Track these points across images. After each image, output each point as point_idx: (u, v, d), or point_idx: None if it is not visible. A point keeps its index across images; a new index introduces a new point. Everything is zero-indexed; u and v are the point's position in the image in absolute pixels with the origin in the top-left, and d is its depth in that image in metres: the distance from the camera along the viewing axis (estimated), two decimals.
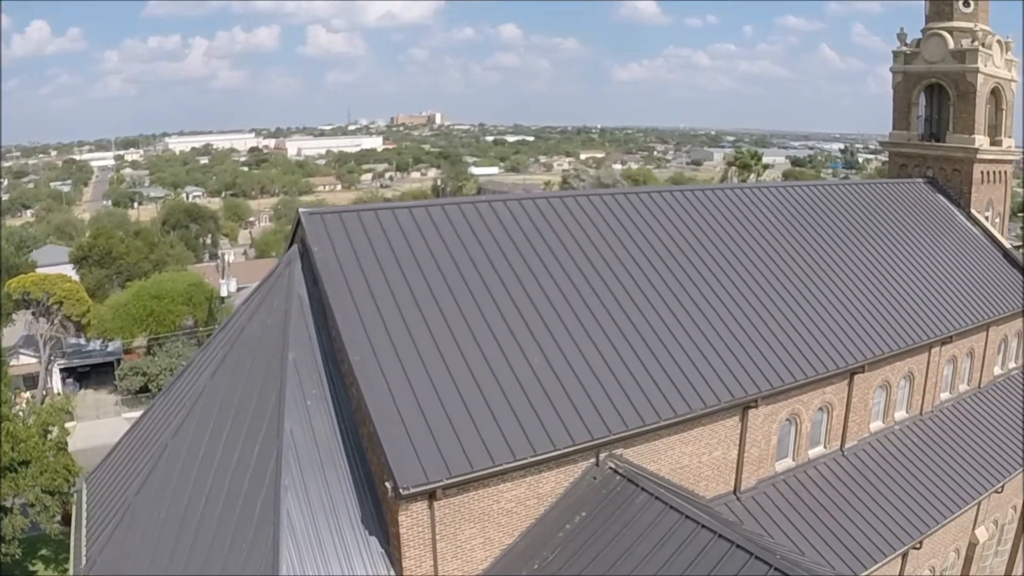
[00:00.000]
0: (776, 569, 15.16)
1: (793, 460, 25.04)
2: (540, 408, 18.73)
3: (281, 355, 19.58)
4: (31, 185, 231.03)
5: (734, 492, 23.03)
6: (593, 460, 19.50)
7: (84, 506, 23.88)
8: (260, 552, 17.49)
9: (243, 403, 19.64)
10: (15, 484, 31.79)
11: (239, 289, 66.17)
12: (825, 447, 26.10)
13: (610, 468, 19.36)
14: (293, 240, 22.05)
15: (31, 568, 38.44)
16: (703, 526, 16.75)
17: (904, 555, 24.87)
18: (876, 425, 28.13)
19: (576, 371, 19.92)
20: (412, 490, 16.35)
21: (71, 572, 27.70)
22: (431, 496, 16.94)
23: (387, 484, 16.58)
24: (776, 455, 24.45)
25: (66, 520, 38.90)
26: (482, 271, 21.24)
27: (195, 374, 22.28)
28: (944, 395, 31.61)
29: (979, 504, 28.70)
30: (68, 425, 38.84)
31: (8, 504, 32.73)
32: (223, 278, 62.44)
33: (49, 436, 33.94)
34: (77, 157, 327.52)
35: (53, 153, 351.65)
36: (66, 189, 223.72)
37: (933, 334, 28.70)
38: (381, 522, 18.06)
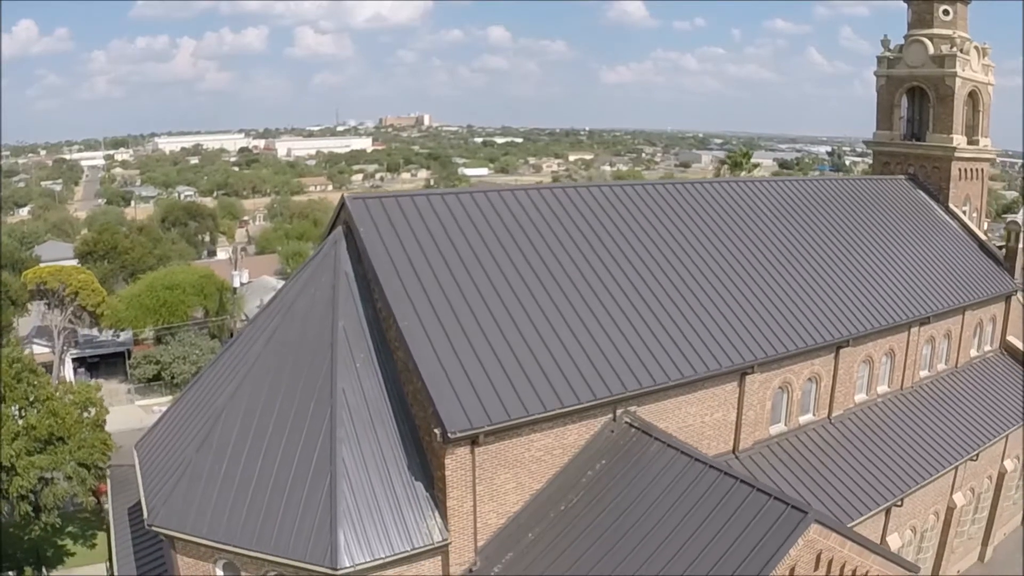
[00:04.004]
0: (776, 499, 17.64)
1: (785, 425, 27.65)
2: (565, 368, 21.29)
3: (332, 323, 21.85)
4: (22, 184, 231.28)
5: (733, 451, 25.58)
6: (611, 415, 22.08)
7: (138, 469, 25.75)
8: (318, 497, 19.74)
9: (297, 367, 21.85)
10: (54, 457, 33.62)
11: (249, 281, 68.39)
12: (814, 415, 28.71)
13: (626, 423, 21.87)
14: (335, 223, 24.34)
15: (60, 543, 40.21)
16: (710, 466, 19.27)
17: (887, 512, 27.45)
18: (860, 397, 30.77)
19: (595, 337, 22.48)
20: (458, 434, 18.73)
21: (112, 537, 29.85)
22: (473, 442, 19.36)
23: (436, 431, 18.94)
24: (770, 420, 27.07)
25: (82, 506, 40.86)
26: (509, 250, 23.70)
27: (245, 345, 24.47)
28: (923, 372, 34.27)
29: (956, 470, 31.29)
30: None
31: (48, 476, 34.57)
32: (235, 269, 64.52)
33: (86, 414, 35.75)
34: (67, 157, 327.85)
35: (42, 153, 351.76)
36: (57, 188, 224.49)
37: (911, 315, 31.34)
38: (426, 469, 20.38)
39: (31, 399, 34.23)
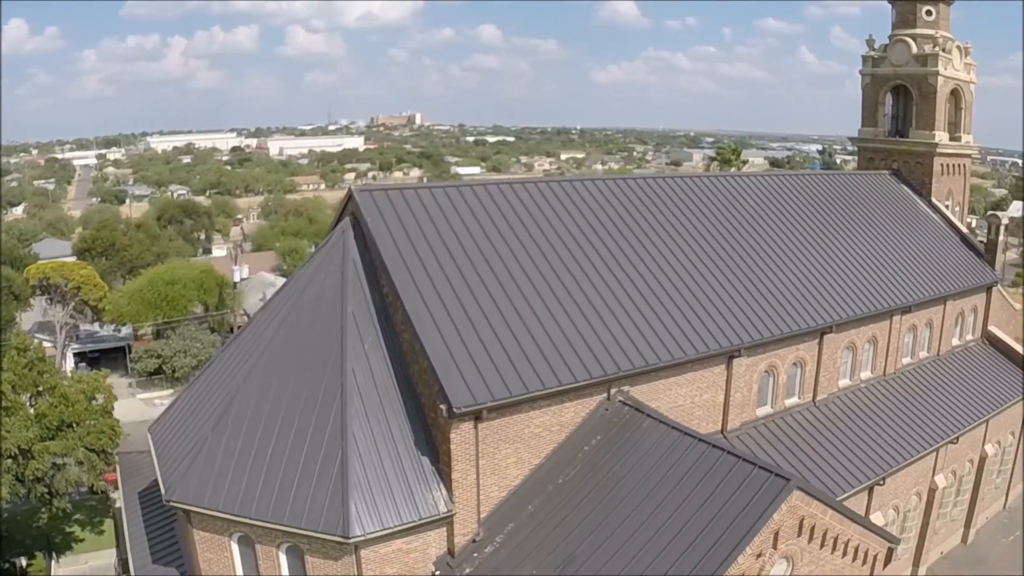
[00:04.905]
0: (760, 468, 18.88)
1: (772, 407, 28.97)
2: (562, 349, 22.55)
3: (341, 308, 23.02)
4: (14, 183, 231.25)
5: (721, 431, 26.85)
6: (605, 395, 23.36)
7: (153, 450, 26.76)
8: (331, 471, 20.88)
9: (308, 350, 22.96)
10: (65, 443, 34.61)
11: (247, 277, 69.41)
12: (799, 398, 30.04)
13: (620, 401, 23.16)
14: (342, 214, 25.52)
15: (68, 530, 41.24)
16: (699, 439, 20.52)
17: (870, 491, 28.67)
18: (844, 382, 32.07)
19: (590, 321, 23.75)
20: (463, 410, 19.95)
21: (124, 519, 30.81)
22: (477, 418, 20.57)
23: (441, 406, 20.14)
24: (757, 402, 28.35)
25: (95, 490, 41.87)
26: (508, 240, 24.93)
27: (258, 330, 25.61)
28: (906, 360, 35.55)
29: (937, 452, 32.50)
30: None
31: (59, 463, 35.58)
32: (236, 265, 65.62)
33: (94, 401, 36.75)
34: (59, 156, 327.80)
35: (34, 152, 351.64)
36: (50, 187, 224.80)
37: (893, 303, 32.65)
38: (431, 445, 21.56)
39: (40, 388, 35.27)
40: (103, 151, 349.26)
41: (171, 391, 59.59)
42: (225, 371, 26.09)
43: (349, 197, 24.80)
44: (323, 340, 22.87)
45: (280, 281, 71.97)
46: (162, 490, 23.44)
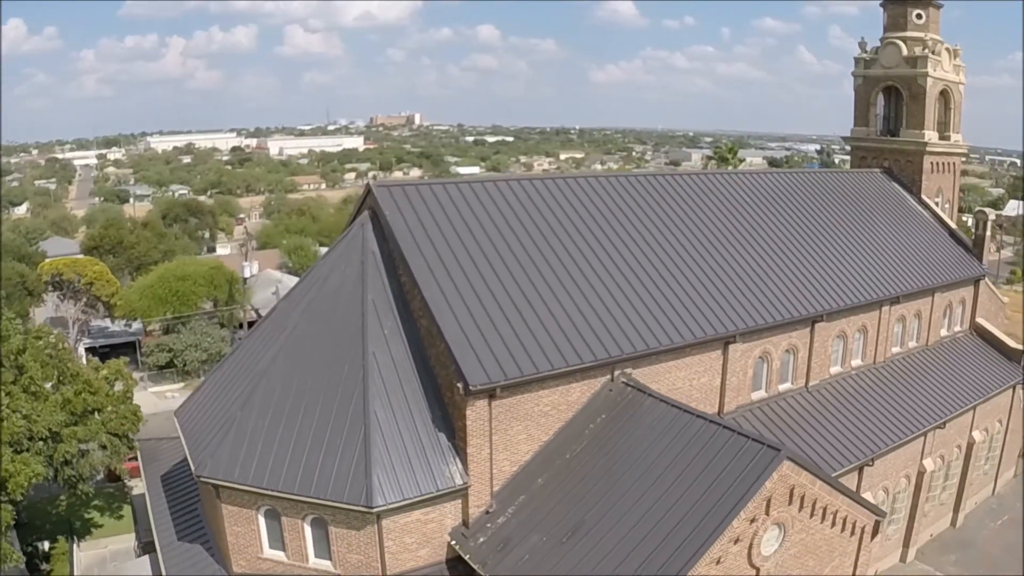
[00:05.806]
0: (753, 440, 20.42)
1: (766, 392, 30.52)
2: (569, 333, 24.18)
3: (361, 296, 24.56)
4: (15, 183, 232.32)
5: (718, 414, 28.33)
6: (609, 376, 24.94)
7: (180, 431, 28.18)
8: (354, 446, 22.41)
9: (331, 334, 24.51)
10: (88, 428, 35.90)
11: (254, 275, 70.83)
12: (792, 383, 31.60)
13: (623, 382, 24.72)
14: (360, 208, 27.04)
15: (87, 516, 42.61)
16: (696, 415, 22.08)
17: (860, 471, 30.17)
18: (835, 369, 33.61)
19: (595, 308, 25.37)
20: (478, 388, 21.52)
21: (148, 501, 32.25)
22: (490, 396, 22.14)
23: (458, 385, 21.70)
24: (752, 387, 29.92)
25: (111, 478, 43.28)
26: (517, 232, 26.54)
27: (281, 317, 27.12)
28: (895, 349, 37.08)
29: (925, 437, 33.94)
30: None
31: (83, 448, 36.88)
32: (246, 261, 67.09)
33: (115, 388, 38.06)
34: (59, 156, 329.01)
35: (34, 152, 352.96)
36: (51, 187, 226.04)
37: (882, 294, 34.21)
38: (448, 422, 23.12)
39: (60, 376, 36.59)
40: (103, 151, 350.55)
41: (182, 385, 61.05)
42: (250, 356, 27.55)
43: (368, 192, 26.34)
44: (345, 326, 24.40)
45: (287, 278, 73.48)
46: (192, 467, 24.83)
